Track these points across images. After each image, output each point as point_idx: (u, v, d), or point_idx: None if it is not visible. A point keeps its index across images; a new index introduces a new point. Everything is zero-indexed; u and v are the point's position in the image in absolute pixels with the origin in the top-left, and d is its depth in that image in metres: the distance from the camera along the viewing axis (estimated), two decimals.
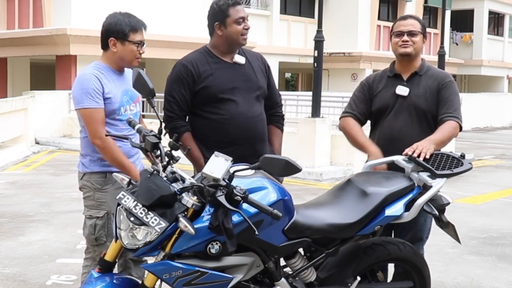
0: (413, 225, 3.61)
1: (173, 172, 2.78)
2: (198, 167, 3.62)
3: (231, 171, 2.69)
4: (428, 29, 27.81)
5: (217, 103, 3.64)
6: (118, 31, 3.46)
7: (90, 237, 3.54)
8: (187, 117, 3.75)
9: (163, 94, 3.73)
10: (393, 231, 3.74)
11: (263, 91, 3.80)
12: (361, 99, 3.86)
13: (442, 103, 3.68)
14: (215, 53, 3.71)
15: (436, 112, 3.70)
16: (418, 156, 3.36)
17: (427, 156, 3.37)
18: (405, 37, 3.70)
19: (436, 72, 3.80)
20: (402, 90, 3.73)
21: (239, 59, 3.73)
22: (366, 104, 3.84)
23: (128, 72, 3.61)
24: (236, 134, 3.62)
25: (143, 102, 4.44)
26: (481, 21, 29.87)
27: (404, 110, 3.71)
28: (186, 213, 2.68)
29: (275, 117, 3.96)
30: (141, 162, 3.64)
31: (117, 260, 2.93)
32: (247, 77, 3.72)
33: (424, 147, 3.40)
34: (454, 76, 30.44)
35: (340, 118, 3.91)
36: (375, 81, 3.86)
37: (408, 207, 3.25)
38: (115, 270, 3.44)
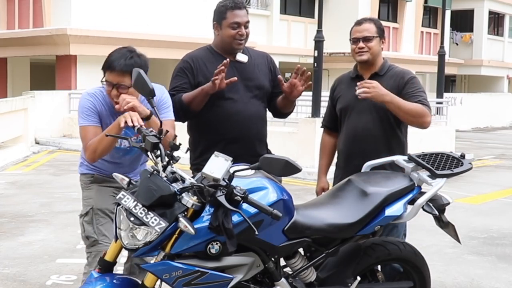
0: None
1: (173, 172, 2.78)
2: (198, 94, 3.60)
3: (231, 171, 2.69)
4: (428, 29, 27.95)
5: (214, 100, 3.64)
6: (104, 64, 3.35)
7: (83, 237, 3.56)
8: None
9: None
10: None
11: (264, 90, 3.81)
12: (329, 107, 4.00)
13: (408, 99, 3.61)
14: (217, 50, 3.76)
15: None
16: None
17: (364, 95, 3.48)
18: (361, 44, 3.72)
19: (396, 71, 3.79)
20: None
21: (242, 57, 3.75)
22: (332, 112, 3.96)
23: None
24: (230, 132, 3.64)
25: None
26: (481, 21, 29.86)
27: (365, 110, 3.72)
28: (186, 213, 2.68)
29: None
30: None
31: (117, 261, 2.93)
32: (247, 76, 3.74)
33: (372, 88, 3.48)
34: (454, 76, 30.48)
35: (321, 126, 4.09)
36: (340, 83, 3.95)
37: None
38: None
